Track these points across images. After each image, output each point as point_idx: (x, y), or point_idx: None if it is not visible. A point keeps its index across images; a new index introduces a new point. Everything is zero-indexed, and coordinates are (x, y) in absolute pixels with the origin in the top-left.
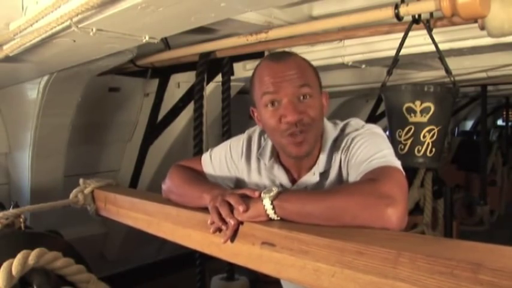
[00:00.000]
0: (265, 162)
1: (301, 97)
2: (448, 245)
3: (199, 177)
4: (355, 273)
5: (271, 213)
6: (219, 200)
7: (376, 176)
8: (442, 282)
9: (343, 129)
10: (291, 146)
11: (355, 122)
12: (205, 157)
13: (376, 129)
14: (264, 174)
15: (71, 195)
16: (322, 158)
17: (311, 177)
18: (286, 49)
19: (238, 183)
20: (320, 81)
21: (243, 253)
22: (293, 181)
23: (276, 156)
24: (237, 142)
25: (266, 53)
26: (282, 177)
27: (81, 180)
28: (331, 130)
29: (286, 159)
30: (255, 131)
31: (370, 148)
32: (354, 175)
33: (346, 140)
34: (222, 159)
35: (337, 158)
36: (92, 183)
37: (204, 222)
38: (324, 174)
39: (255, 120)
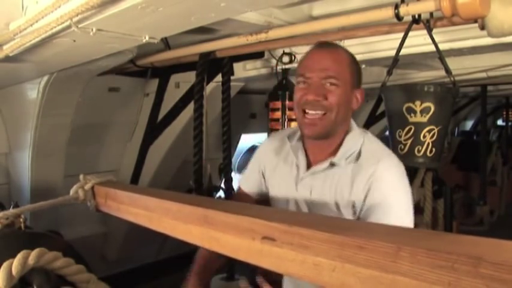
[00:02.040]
0: (292, 143)
1: (327, 84)
2: (448, 239)
3: (200, 264)
4: (355, 268)
5: None
6: None
7: None
8: (443, 276)
9: (368, 144)
10: (304, 125)
11: (382, 150)
12: (240, 177)
13: (400, 168)
14: (287, 159)
15: (71, 191)
16: (340, 154)
17: (322, 165)
18: (286, 49)
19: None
20: (358, 76)
21: (243, 248)
22: (309, 165)
23: (301, 139)
24: (271, 137)
25: (266, 53)
26: (301, 160)
27: (81, 176)
28: (356, 136)
29: (307, 143)
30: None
31: (392, 201)
32: (368, 214)
33: (373, 166)
34: (254, 163)
35: (351, 166)
36: (93, 179)
37: (204, 217)
38: (333, 167)
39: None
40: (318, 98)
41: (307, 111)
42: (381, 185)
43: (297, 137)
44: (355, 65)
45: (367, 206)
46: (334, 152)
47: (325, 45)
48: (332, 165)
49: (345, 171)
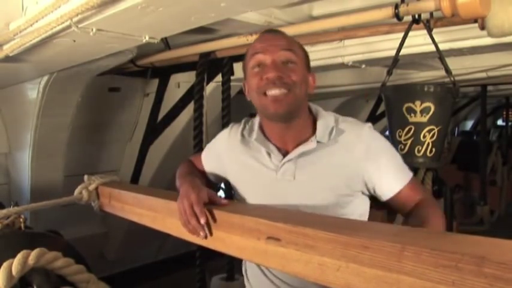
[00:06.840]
0: (253, 137)
1: (286, 62)
2: (452, 239)
3: (190, 171)
4: (360, 267)
5: None
6: (184, 207)
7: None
8: (447, 275)
9: (342, 121)
10: (268, 104)
11: (357, 120)
12: (203, 152)
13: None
14: (255, 153)
15: (76, 192)
16: (321, 130)
17: (309, 145)
18: None
19: (227, 172)
20: (308, 61)
21: (248, 248)
22: (285, 153)
23: (262, 131)
24: (224, 131)
25: None
26: (272, 148)
27: (85, 177)
28: (327, 114)
29: (271, 132)
30: (241, 122)
31: (396, 164)
32: (386, 182)
33: (359, 131)
34: (213, 151)
35: (337, 145)
36: (97, 180)
37: (209, 218)
38: (321, 146)
39: (245, 94)
40: (280, 75)
41: (268, 92)
42: (376, 142)
43: (255, 131)
44: (303, 48)
45: (374, 166)
46: (307, 134)
47: (273, 31)
48: (318, 143)
49: (333, 150)
